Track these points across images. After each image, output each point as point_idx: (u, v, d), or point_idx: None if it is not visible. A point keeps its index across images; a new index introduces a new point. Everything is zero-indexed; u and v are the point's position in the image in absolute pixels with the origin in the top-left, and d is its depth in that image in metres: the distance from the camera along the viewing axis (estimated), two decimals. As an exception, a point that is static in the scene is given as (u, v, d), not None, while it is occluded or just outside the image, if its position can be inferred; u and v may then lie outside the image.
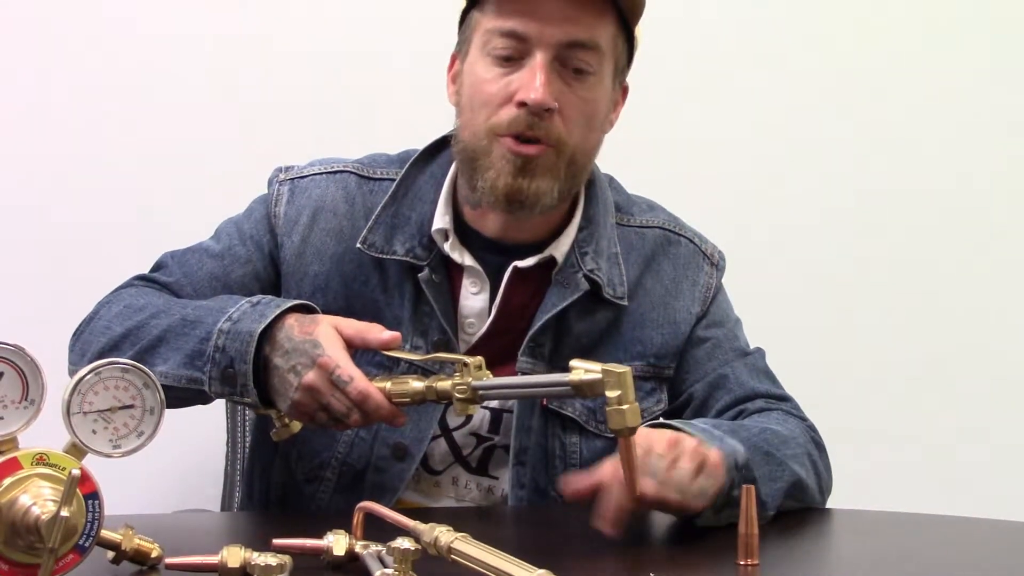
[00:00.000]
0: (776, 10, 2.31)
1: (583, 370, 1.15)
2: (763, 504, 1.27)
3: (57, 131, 2.08)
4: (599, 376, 1.14)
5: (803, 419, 1.48)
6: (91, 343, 1.38)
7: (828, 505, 1.45)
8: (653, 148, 2.20)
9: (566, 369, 1.16)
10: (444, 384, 1.23)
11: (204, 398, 1.34)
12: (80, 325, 1.43)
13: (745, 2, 2.30)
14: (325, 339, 1.25)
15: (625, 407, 1.12)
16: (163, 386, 1.27)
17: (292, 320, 1.28)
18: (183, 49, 2.12)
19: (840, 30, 2.32)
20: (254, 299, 1.32)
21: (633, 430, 1.14)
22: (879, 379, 2.31)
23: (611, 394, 1.13)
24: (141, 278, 1.48)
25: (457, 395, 1.22)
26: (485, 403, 1.42)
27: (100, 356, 1.35)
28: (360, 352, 1.31)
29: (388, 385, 1.25)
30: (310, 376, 1.23)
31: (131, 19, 2.10)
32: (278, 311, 1.28)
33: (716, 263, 1.55)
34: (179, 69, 2.12)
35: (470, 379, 1.21)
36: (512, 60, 1.36)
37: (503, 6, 1.36)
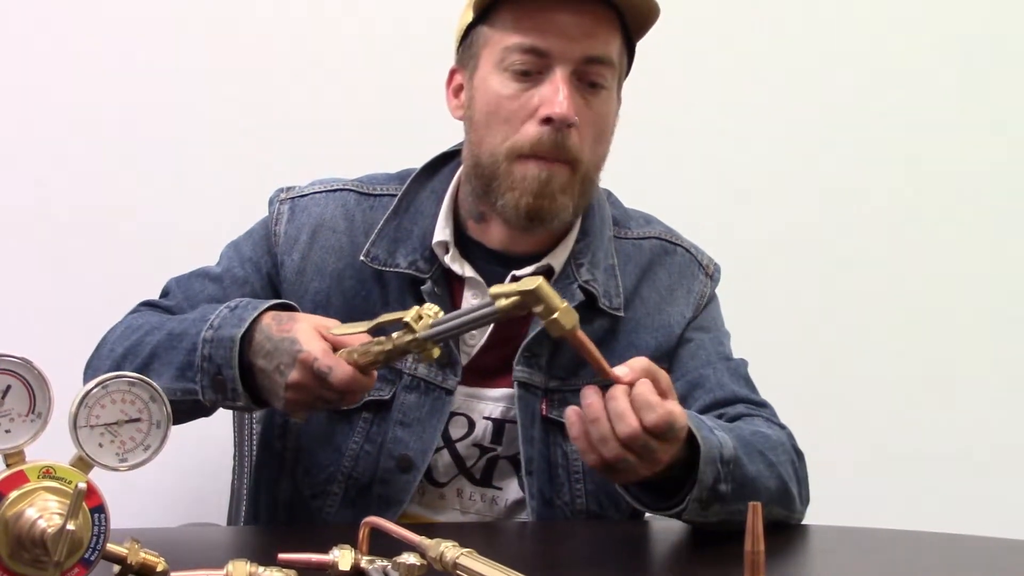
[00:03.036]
0: (770, 21, 2.30)
1: (503, 297, 1.15)
2: (757, 495, 1.27)
3: (64, 140, 2.09)
4: (519, 299, 1.14)
5: (782, 427, 1.48)
6: (99, 368, 1.40)
7: (834, 523, 1.44)
8: (648, 161, 2.20)
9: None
10: (400, 341, 1.22)
11: (203, 409, 1.36)
12: (91, 355, 1.46)
13: (739, 11, 2.30)
14: (302, 334, 1.26)
15: (555, 315, 1.13)
16: None
17: (269, 319, 1.30)
18: (186, 74, 2.13)
19: (840, 41, 2.32)
20: (232, 303, 1.34)
21: (574, 329, 1.13)
22: (879, 395, 2.30)
23: (537, 310, 1.13)
24: (146, 304, 1.51)
25: (413, 348, 1.22)
26: (487, 414, 1.44)
27: None
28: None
29: (356, 356, 1.25)
30: (294, 375, 1.24)
31: (128, 47, 2.12)
32: (255, 313, 1.30)
33: (711, 274, 1.56)
34: (183, 86, 2.13)
35: (417, 334, 1.20)
36: (530, 75, 1.37)
37: (521, 22, 1.37)
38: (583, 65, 1.37)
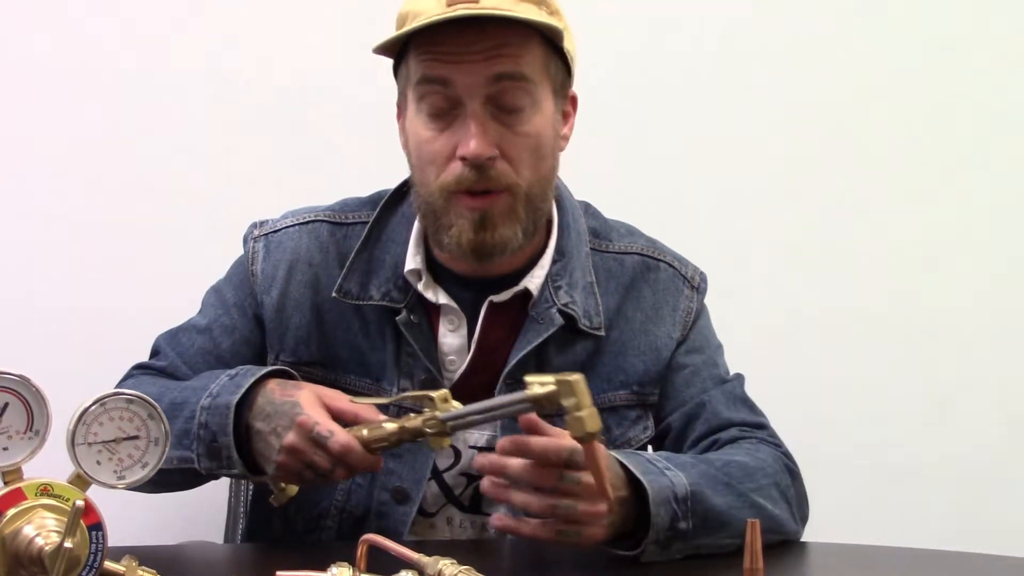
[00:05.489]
0: (757, 30, 2.30)
1: (538, 384, 1.15)
2: (725, 526, 1.28)
3: (66, 156, 2.09)
4: (554, 387, 1.14)
5: (777, 446, 1.47)
6: None
7: (833, 539, 1.44)
8: (637, 165, 2.20)
9: None
10: (415, 422, 1.23)
11: (200, 477, 1.36)
12: None
13: (728, 20, 2.30)
14: (304, 399, 1.27)
15: (582, 413, 1.12)
16: (159, 469, 1.30)
17: (273, 384, 1.31)
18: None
19: (835, 41, 2.31)
20: (232, 371, 1.35)
21: (594, 435, 1.13)
22: (878, 410, 2.29)
23: (567, 403, 1.12)
24: (139, 367, 1.50)
25: (428, 430, 1.22)
26: (472, 443, 1.43)
27: None
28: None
29: (364, 432, 1.25)
30: (290, 437, 1.25)
31: (131, 58, 2.13)
32: (253, 379, 1.31)
33: (696, 286, 1.53)
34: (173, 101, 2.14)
35: (437, 413, 1.22)
36: (445, 114, 1.34)
37: (422, 54, 1.34)
38: (494, 89, 1.32)
